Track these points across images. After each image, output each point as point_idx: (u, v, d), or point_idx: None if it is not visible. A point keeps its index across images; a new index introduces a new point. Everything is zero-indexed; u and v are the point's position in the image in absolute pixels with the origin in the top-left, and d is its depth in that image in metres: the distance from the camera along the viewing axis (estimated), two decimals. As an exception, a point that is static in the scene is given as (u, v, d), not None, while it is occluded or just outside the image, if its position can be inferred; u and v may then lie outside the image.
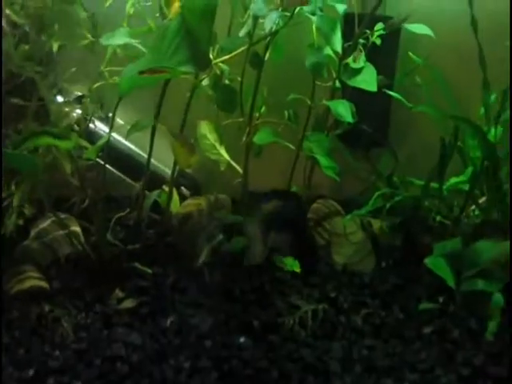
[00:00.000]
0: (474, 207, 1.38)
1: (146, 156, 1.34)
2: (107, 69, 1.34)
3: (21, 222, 1.25)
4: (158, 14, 1.27)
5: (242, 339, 1.05)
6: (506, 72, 1.35)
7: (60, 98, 1.38)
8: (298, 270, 1.22)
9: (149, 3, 1.32)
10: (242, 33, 1.28)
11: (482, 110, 1.42)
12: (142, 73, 1.09)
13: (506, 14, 1.49)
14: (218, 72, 1.32)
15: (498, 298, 1.10)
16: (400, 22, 1.38)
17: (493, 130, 1.35)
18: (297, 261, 1.23)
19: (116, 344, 1.01)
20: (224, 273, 1.21)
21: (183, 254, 1.27)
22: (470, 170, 1.39)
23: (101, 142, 1.20)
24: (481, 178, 1.34)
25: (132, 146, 1.50)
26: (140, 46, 1.25)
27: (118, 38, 1.26)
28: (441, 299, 1.16)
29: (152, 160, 1.34)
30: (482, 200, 1.36)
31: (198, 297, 1.15)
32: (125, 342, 1.01)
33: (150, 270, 1.19)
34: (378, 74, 1.32)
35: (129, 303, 1.10)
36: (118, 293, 1.12)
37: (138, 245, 1.26)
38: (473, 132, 1.32)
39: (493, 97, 1.40)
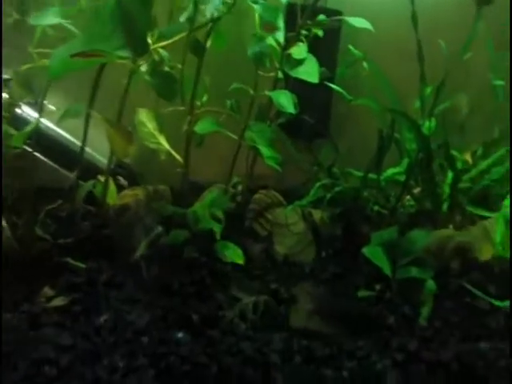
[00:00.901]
0: (409, 197, 1.38)
1: (80, 144, 1.24)
2: (36, 50, 1.22)
3: None
4: (91, -6, 1.17)
5: (180, 334, 0.99)
6: (441, 67, 1.36)
7: (-16, 82, 1.24)
8: (240, 261, 1.17)
9: (82, -18, 1.22)
10: (182, 18, 1.20)
11: (418, 104, 1.42)
12: (74, 56, 0.99)
13: (442, 10, 1.51)
14: (157, 58, 1.23)
15: (431, 284, 1.12)
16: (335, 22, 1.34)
17: (427, 123, 1.35)
18: (240, 251, 1.18)
19: (44, 345, 0.91)
20: (163, 266, 1.14)
21: (120, 248, 1.18)
22: (405, 161, 1.39)
23: (28, 128, 1.09)
24: (416, 170, 1.34)
25: (65, 134, 1.39)
26: (72, 27, 1.15)
27: (49, 18, 1.15)
28: (378, 287, 1.15)
29: (87, 149, 1.24)
30: (416, 190, 1.36)
31: (135, 292, 1.07)
32: (54, 342, 0.92)
33: (83, 265, 1.09)
34: (320, 66, 1.29)
35: (59, 301, 1.01)
36: (48, 290, 1.02)
37: (70, 238, 1.16)
38: (409, 125, 1.32)
39: (428, 90, 1.41)
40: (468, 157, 1.42)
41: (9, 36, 1.23)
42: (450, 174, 1.35)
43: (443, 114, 1.39)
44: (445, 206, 1.34)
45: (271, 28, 1.26)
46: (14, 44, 1.23)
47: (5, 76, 1.25)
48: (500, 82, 1.45)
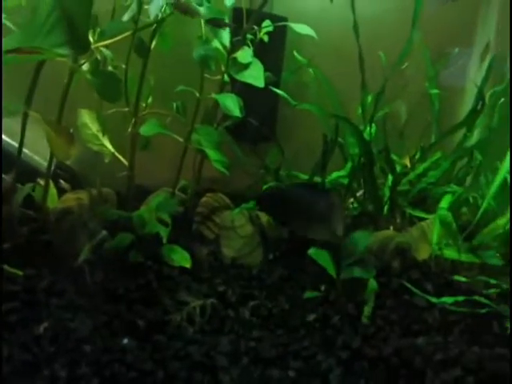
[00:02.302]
0: (352, 200, 1.44)
1: (17, 145, 1.19)
2: (-32, 46, 1.16)
3: None
4: (29, -12, 1.13)
5: (125, 341, 0.98)
6: (381, 75, 1.43)
7: None
8: (187, 265, 1.17)
9: (18, -25, 1.17)
10: (125, 17, 1.19)
11: (360, 110, 1.49)
12: (10, 52, 0.95)
13: (380, 20, 1.59)
14: (100, 57, 1.21)
15: (373, 283, 1.17)
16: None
17: (368, 128, 1.41)
18: (187, 255, 1.17)
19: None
20: (107, 271, 1.11)
21: (61, 253, 1.14)
22: (349, 165, 1.45)
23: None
24: (358, 173, 1.40)
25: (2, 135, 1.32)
26: (8, 23, 1.10)
27: (-18, 12, 1.09)
28: (323, 287, 1.19)
29: (25, 150, 1.19)
30: (359, 193, 1.42)
31: (78, 299, 1.04)
32: (-12, 354, 0.88)
33: (21, 272, 1.05)
34: (266, 70, 1.31)
35: (-6, 310, 0.96)
36: (-19, 299, 0.97)
37: (7, 244, 1.10)
38: (351, 130, 1.38)
39: (370, 98, 1.48)
40: (407, 161, 1.50)
41: None
42: (390, 178, 1.42)
43: (384, 120, 1.46)
44: (386, 208, 1.41)
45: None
46: None
47: None
48: (435, 91, 1.55)
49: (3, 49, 0.97)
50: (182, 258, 1.17)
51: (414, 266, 1.28)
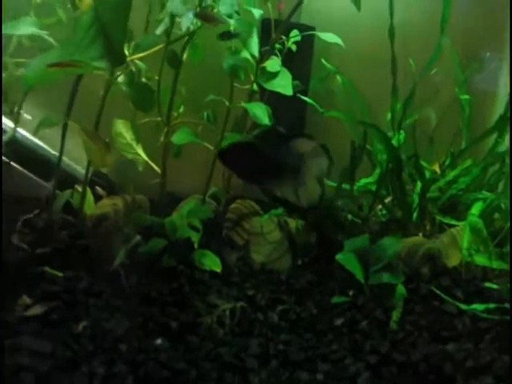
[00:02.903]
0: (381, 206, 1.46)
1: (56, 154, 1.27)
2: (12, 60, 1.25)
3: None
4: (68, 5, 1.21)
5: (159, 341, 1.03)
6: (410, 81, 1.46)
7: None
8: (217, 269, 1.21)
9: (59, -7, 1.26)
10: (158, 30, 1.26)
11: (389, 117, 1.52)
12: (51, 66, 1.03)
13: (411, 26, 1.62)
14: (134, 69, 1.28)
15: (401, 289, 1.19)
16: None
17: (396, 135, 1.44)
18: (217, 260, 1.22)
19: (22, 353, 0.94)
20: (141, 275, 1.18)
21: (98, 257, 1.21)
22: (377, 172, 1.48)
23: (5, 138, 1.12)
24: (387, 180, 1.43)
25: (42, 144, 1.41)
26: (49, 38, 1.18)
27: (24, 28, 1.18)
28: (351, 293, 1.22)
29: (64, 158, 1.27)
30: (387, 200, 1.45)
31: (114, 300, 1.10)
32: (31, 350, 0.95)
33: (61, 274, 1.12)
34: (294, 78, 1.36)
35: (37, 310, 1.03)
36: (25, 299, 1.04)
37: (48, 248, 1.18)
38: (379, 137, 1.40)
39: (399, 104, 1.50)
40: (436, 167, 1.52)
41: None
42: (419, 184, 1.44)
43: (413, 127, 1.48)
44: (415, 215, 1.43)
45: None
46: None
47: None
48: (466, 96, 1.56)
49: (44, 64, 1.05)
50: (212, 263, 1.22)
51: (443, 272, 1.30)
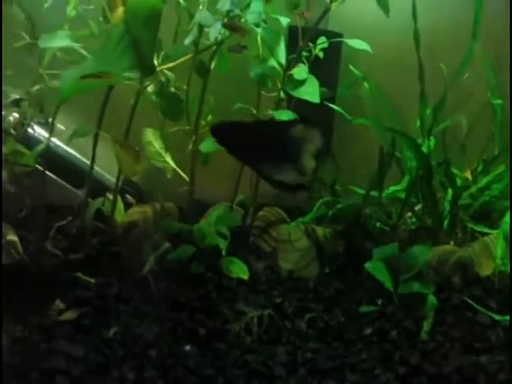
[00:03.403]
0: (410, 214, 1.46)
1: (88, 163, 1.32)
2: (47, 72, 1.32)
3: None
4: (100, 18, 1.26)
5: (187, 347, 1.06)
6: (440, 87, 1.46)
7: (-4, 102, 1.33)
8: (245, 276, 1.24)
9: (91, 7, 1.32)
10: (187, 41, 1.30)
11: (419, 123, 1.52)
12: (84, 77, 1.08)
13: (442, 33, 1.62)
14: (163, 79, 1.33)
15: (432, 299, 1.19)
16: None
17: (426, 141, 1.44)
18: (245, 267, 1.25)
19: (56, 356, 0.98)
20: (170, 281, 1.21)
21: (128, 263, 1.26)
22: (406, 179, 1.48)
23: (39, 148, 1.17)
24: (416, 187, 1.42)
25: (74, 153, 1.47)
26: (81, 50, 1.24)
27: (58, 41, 1.24)
28: (380, 302, 1.22)
29: (95, 167, 1.32)
30: (417, 207, 1.44)
31: (143, 306, 1.14)
32: (65, 354, 0.99)
33: (93, 280, 1.17)
34: (321, 86, 1.38)
35: (70, 314, 1.08)
36: (59, 304, 1.09)
37: (80, 254, 1.23)
38: (408, 144, 1.41)
39: (428, 110, 1.50)
40: (468, 174, 1.51)
41: (20, 58, 1.33)
42: (450, 191, 1.44)
43: (443, 133, 1.48)
44: (446, 223, 1.42)
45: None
46: (25, 65, 1.33)
47: (16, 96, 1.35)
48: (498, 101, 1.55)
49: (78, 75, 1.10)
50: (240, 270, 1.24)
51: (476, 281, 1.29)
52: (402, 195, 1.45)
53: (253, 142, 1.06)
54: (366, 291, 1.27)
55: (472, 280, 1.29)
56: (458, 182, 1.45)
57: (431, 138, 1.47)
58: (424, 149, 1.43)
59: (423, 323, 1.15)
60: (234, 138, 1.07)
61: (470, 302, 1.18)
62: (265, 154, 1.06)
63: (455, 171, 1.48)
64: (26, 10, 1.31)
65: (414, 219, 1.45)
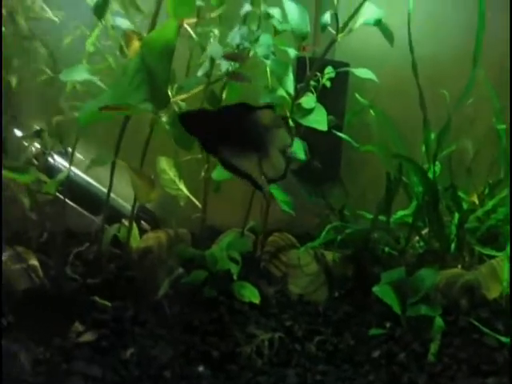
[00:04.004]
0: (418, 238, 1.52)
1: (105, 190, 1.41)
2: (66, 104, 1.41)
3: (-24, 256, 1.28)
4: (117, 53, 1.36)
5: (200, 369, 1.12)
6: (444, 114, 1.53)
7: (19, 132, 1.43)
8: (256, 300, 1.30)
9: (108, 42, 1.42)
10: (199, 73, 1.39)
11: (424, 148, 1.59)
12: (102, 109, 1.17)
13: (445, 60, 1.70)
14: (177, 109, 1.41)
15: (439, 321, 1.23)
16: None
17: (432, 166, 1.51)
18: (256, 291, 1.31)
19: (75, 377, 1.05)
20: (183, 305, 1.28)
21: (143, 287, 1.33)
22: (414, 204, 1.54)
23: (61, 177, 1.26)
24: (423, 212, 1.49)
25: (91, 181, 1.56)
26: (99, 83, 1.33)
27: (78, 74, 1.34)
28: (388, 325, 1.27)
29: (112, 194, 1.41)
30: (424, 231, 1.50)
31: (158, 329, 1.21)
32: (84, 374, 1.06)
33: (109, 304, 1.24)
34: (329, 114, 1.45)
35: (89, 336, 1.15)
36: (78, 326, 1.16)
37: (97, 279, 1.31)
38: (414, 169, 1.47)
39: (433, 136, 1.57)
40: (475, 198, 1.57)
41: (42, 90, 1.43)
42: (457, 215, 1.49)
43: (449, 158, 1.54)
44: (453, 246, 1.47)
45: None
46: (46, 98, 1.43)
47: (37, 127, 1.45)
48: (502, 126, 1.61)
49: (96, 107, 1.19)
50: (251, 294, 1.30)
51: (483, 304, 1.33)
52: (410, 220, 1.51)
53: (219, 129, 1.07)
54: (375, 314, 1.32)
55: (479, 302, 1.33)
56: (465, 205, 1.51)
57: (437, 163, 1.53)
58: (430, 174, 1.49)
59: (430, 345, 1.19)
60: (201, 125, 1.08)
61: (477, 324, 1.22)
62: (229, 139, 1.06)
63: (462, 195, 1.54)
64: (48, 46, 1.41)
65: (421, 243, 1.51)
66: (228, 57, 1.34)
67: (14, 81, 1.38)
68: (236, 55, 1.34)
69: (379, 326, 1.28)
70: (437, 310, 1.26)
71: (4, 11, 1.33)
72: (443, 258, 1.44)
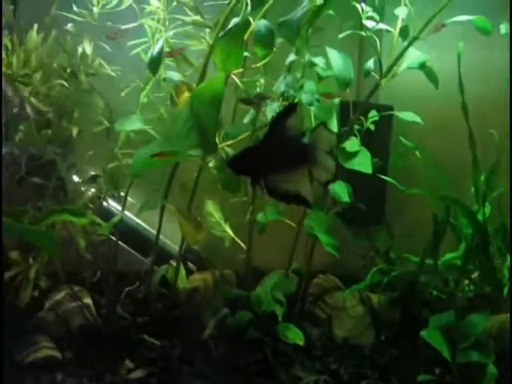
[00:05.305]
0: (467, 281, 1.54)
1: (154, 232, 1.53)
2: (121, 151, 1.56)
3: (36, 293, 1.41)
4: (168, 103, 1.50)
5: (246, 408, 1.19)
6: (492, 154, 1.58)
7: (76, 178, 1.59)
8: (301, 342, 1.35)
9: (161, 94, 1.57)
10: (246, 120, 1.52)
11: (473, 189, 1.63)
12: (154, 156, 1.30)
13: (491, 100, 1.75)
14: (224, 155, 1.54)
15: (492, 369, 1.24)
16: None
17: (481, 208, 1.54)
18: (300, 333, 1.36)
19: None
20: (229, 345, 1.36)
21: (190, 327, 1.42)
22: (463, 246, 1.57)
23: (115, 220, 1.40)
24: (473, 254, 1.51)
25: (141, 223, 1.70)
26: (151, 131, 1.47)
27: (131, 124, 1.49)
28: (437, 371, 1.29)
29: (160, 236, 1.53)
30: (474, 275, 1.53)
31: (204, 368, 1.29)
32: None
33: (158, 342, 1.34)
34: (373, 156, 1.53)
35: (138, 373, 1.24)
36: (128, 363, 1.26)
37: (146, 317, 1.41)
38: (463, 211, 1.51)
39: (482, 177, 1.61)
40: (527, 240, 1.57)
41: (97, 140, 1.60)
42: (508, 258, 1.51)
43: (499, 199, 1.58)
44: (506, 290, 1.48)
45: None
46: (102, 146, 1.59)
47: (93, 173, 1.60)
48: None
49: (148, 154, 1.32)
50: (296, 336, 1.36)
51: (538, 351, 1.33)
52: (458, 262, 1.53)
53: (265, 158, 1.12)
54: (423, 359, 1.34)
55: (534, 350, 1.34)
56: (517, 248, 1.52)
57: (486, 204, 1.56)
58: (479, 216, 1.52)
59: (483, 394, 1.21)
60: (247, 163, 1.13)
61: (532, 372, 1.23)
62: (277, 163, 1.11)
63: (514, 237, 1.56)
64: (105, 98, 1.59)
65: (471, 287, 1.53)
66: (243, 102, 1.46)
67: (74, 131, 1.54)
68: (251, 100, 1.46)
69: (428, 371, 1.30)
70: (489, 356, 1.26)
71: (68, 69, 1.51)
72: (495, 302, 1.46)
